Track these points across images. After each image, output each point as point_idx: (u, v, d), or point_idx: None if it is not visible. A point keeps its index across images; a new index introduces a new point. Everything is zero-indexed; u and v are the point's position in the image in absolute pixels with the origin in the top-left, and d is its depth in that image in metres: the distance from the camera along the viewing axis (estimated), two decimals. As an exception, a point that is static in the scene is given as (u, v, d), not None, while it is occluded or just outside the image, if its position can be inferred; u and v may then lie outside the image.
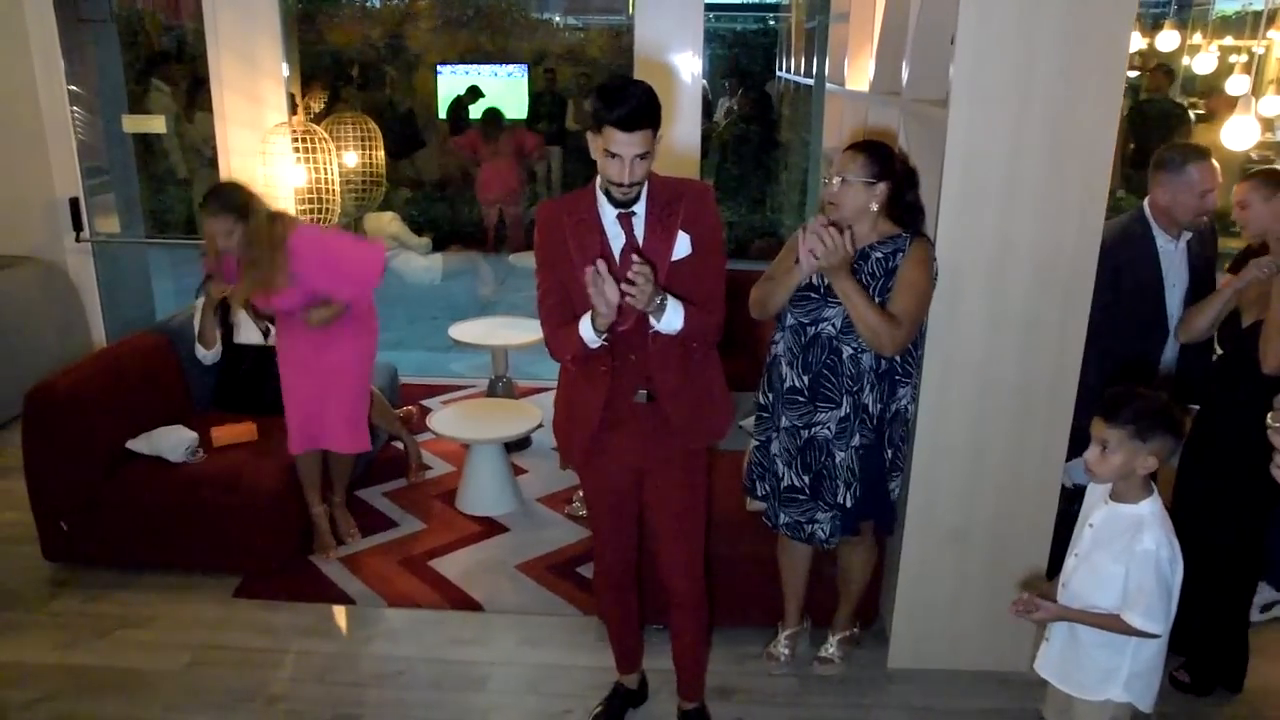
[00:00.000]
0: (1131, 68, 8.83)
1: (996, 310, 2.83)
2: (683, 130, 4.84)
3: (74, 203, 5.21)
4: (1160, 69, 8.08)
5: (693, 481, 2.62)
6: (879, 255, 2.73)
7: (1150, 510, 2.14)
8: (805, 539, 2.93)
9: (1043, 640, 2.35)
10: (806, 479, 2.85)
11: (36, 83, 5.04)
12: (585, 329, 2.36)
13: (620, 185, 2.29)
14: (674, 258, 2.38)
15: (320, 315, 3.51)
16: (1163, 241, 3.13)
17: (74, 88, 5.27)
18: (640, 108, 2.22)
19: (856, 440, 2.79)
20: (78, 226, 5.25)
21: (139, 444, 3.66)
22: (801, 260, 2.62)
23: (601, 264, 2.22)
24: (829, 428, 2.80)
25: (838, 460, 2.81)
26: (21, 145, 5.10)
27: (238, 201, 3.36)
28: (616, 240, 2.40)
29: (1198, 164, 3.02)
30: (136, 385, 3.79)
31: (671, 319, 2.33)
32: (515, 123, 10.25)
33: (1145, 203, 3.15)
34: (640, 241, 2.38)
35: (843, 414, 2.77)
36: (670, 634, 2.80)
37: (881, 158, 2.72)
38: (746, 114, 9.60)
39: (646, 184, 2.36)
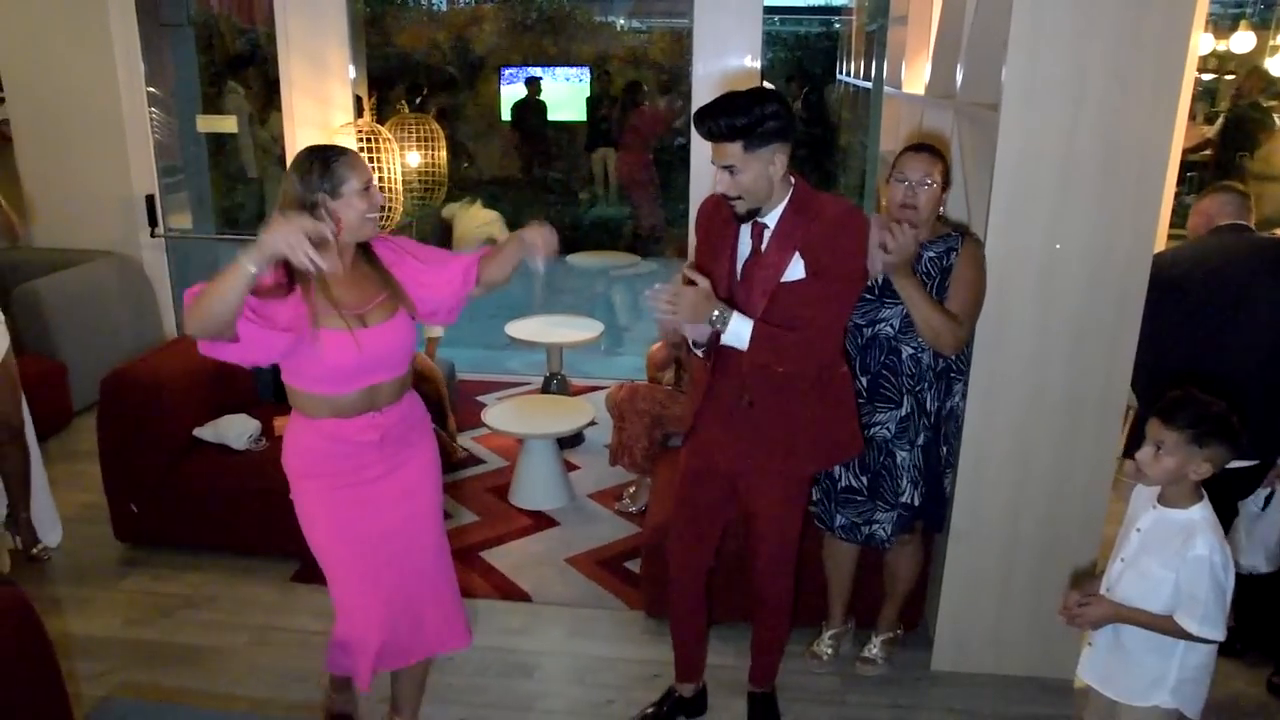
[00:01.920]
0: (1207, 70, 8.62)
1: (1046, 315, 2.82)
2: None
3: (150, 200, 5.41)
4: (1255, 73, 7.86)
5: (790, 501, 2.61)
6: (931, 254, 2.74)
7: (1201, 515, 2.12)
8: (863, 540, 2.94)
9: (1086, 645, 2.33)
10: (865, 479, 2.87)
11: (119, 85, 5.23)
12: (688, 330, 2.44)
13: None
14: (784, 278, 2.35)
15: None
16: None
17: (152, 89, 5.47)
18: (718, 122, 2.23)
19: (921, 439, 2.81)
20: (153, 222, 5.45)
21: (205, 431, 3.80)
22: (871, 263, 2.64)
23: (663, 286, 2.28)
24: (888, 428, 2.81)
25: (899, 460, 2.82)
26: (103, 145, 5.30)
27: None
28: (745, 247, 2.43)
29: None
30: (204, 375, 3.93)
31: (735, 333, 2.32)
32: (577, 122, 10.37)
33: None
34: (763, 254, 2.39)
35: (904, 413, 2.79)
36: (752, 626, 2.86)
37: (946, 161, 2.77)
38: (806, 117, 9.58)
39: (789, 199, 2.36)
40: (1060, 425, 2.90)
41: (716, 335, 2.38)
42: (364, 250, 2.34)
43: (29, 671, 2.24)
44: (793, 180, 2.37)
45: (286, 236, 1.96)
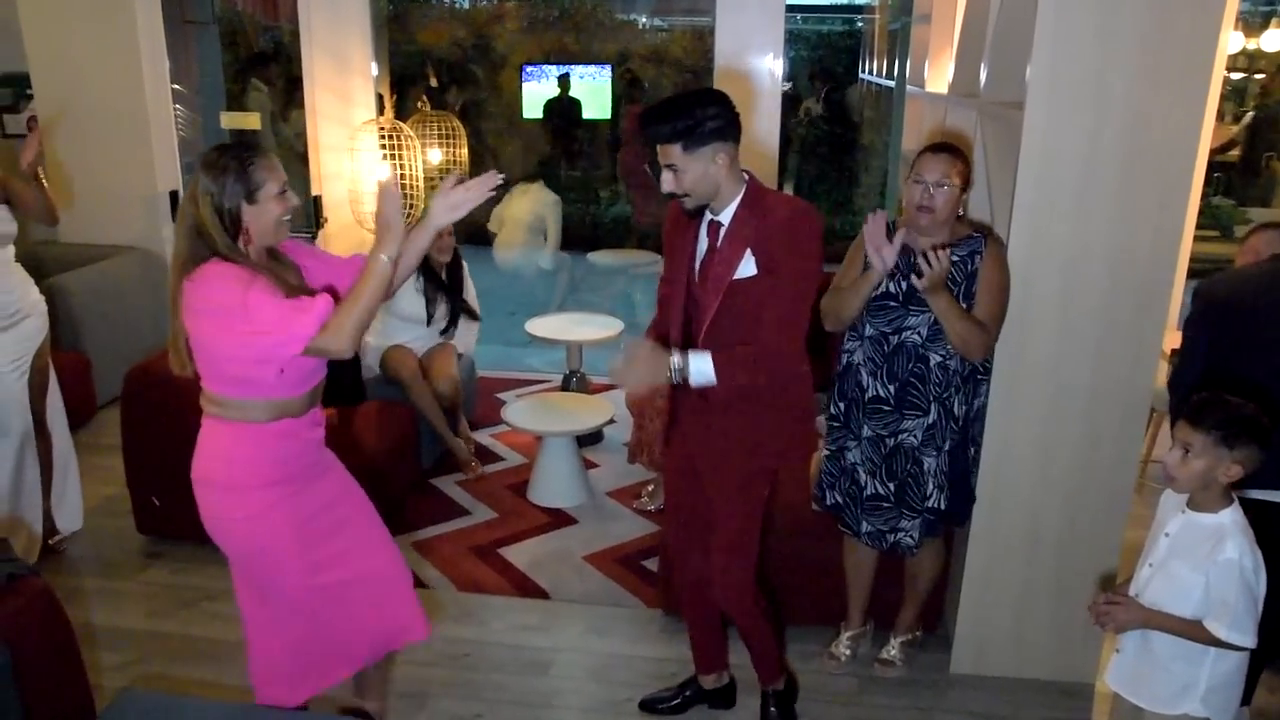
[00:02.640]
0: (1236, 69, 8.51)
1: (1069, 315, 2.79)
2: (762, 131, 4.86)
3: (173, 195, 5.45)
4: None
5: (744, 497, 2.57)
6: (955, 259, 2.72)
7: (1232, 519, 2.08)
8: (889, 548, 2.93)
9: (1114, 651, 2.30)
10: (891, 486, 2.86)
11: (144, 82, 5.27)
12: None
13: None
14: (736, 276, 2.37)
15: None
16: None
17: (177, 86, 5.51)
18: (649, 121, 2.30)
19: (947, 444, 2.80)
20: (176, 218, 5.48)
21: (227, 426, 3.82)
22: (872, 259, 2.64)
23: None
24: (915, 435, 2.80)
25: (925, 466, 2.81)
26: (127, 141, 5.34)
27: None
28: (703, 245, 2.45)
29: None
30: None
31: (700, 372, 2.33)
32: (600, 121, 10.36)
33: None
34: (718, 251, 2.41)
35: (930, 421, 2.78)
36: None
37: (967, 161, 2.75)
38: (827, 115, 9.55)
39: (741, 197, 2.37)
40: (1082, 426, 2.88)
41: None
42: (270, 250, 2.27)
43: (53, 661, 2.27)
44: (746, 178, 2.40)
45: (449, 212, 2.17)
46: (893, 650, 3.17)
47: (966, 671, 3.15)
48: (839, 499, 2.98)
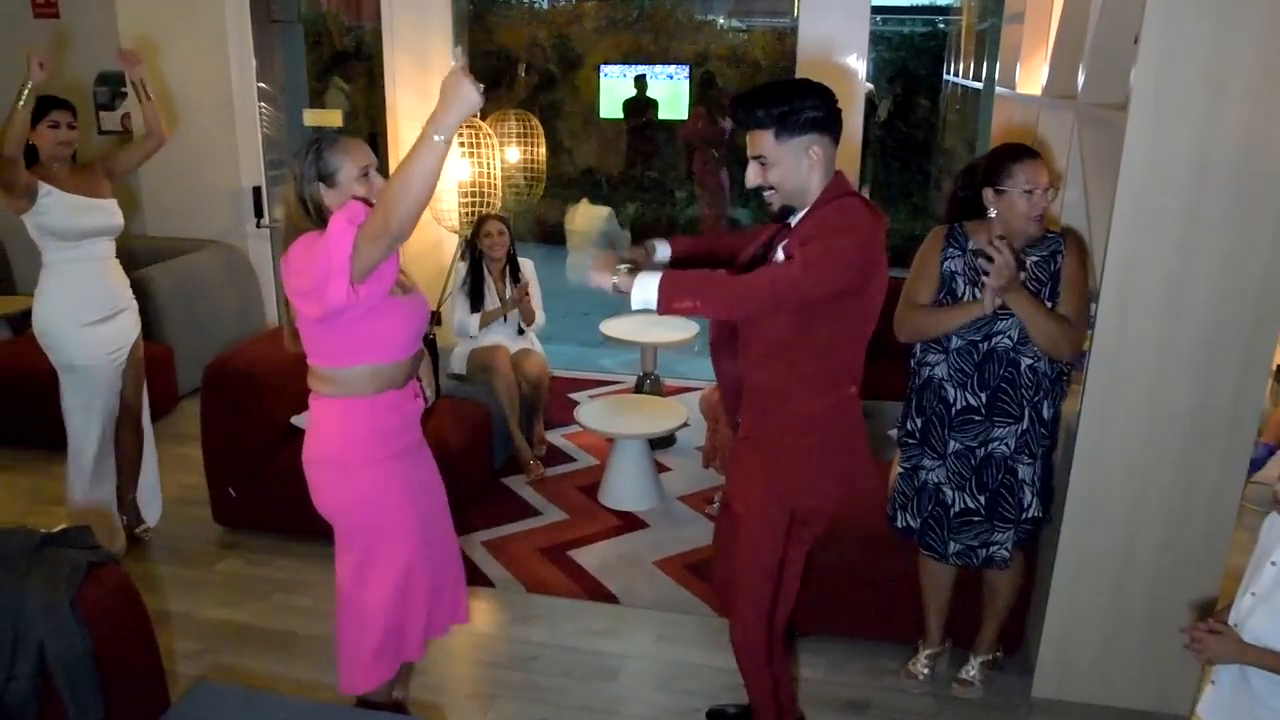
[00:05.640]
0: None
1: (1172, 329, 2.65)
2: (844, 134, 4.73)
3: (256, 191, 5.55)
4: None
5: (737, 538, 2.41)
6: (1035, 259, 2.65)
7: None
8: (981, 563, 2.84)
9: (1208, 683, 2.17)
10: (982, 499, 2.77)
11: (231, 81, 5.38)
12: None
13: None
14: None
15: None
16: None
17: (262, 84, 5.60)
18: (743, 104, 2.17)
19: (1040, 450, 2.73)
20: (259, 213, 5.58)
21: (302, 420, 3.84)
22: (991, 300, 2.56)
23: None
24: (1007, 444, 2.72)
25: (1021, 475, 2.73)
26: (214, 138, 5.45)
27: None
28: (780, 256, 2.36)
29: None
30: (302, 364, 3.97)
31: (641, 288, 2.07)
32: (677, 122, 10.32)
33: None
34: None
35: (1024, 427, 2.70)
36: None
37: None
38: (909, 118, 9.38)
39: (815, 202, 2.20)
40: (1183, 445, 2.73)
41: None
42: None
43: (131, 648, 2.29)
44: (832, 177, 2.21)
45: (469, 88, 1.99)
46: (972, 670, 3.06)
47: (1049, 696, 3.02)
48: (909, 521, 2.89)
